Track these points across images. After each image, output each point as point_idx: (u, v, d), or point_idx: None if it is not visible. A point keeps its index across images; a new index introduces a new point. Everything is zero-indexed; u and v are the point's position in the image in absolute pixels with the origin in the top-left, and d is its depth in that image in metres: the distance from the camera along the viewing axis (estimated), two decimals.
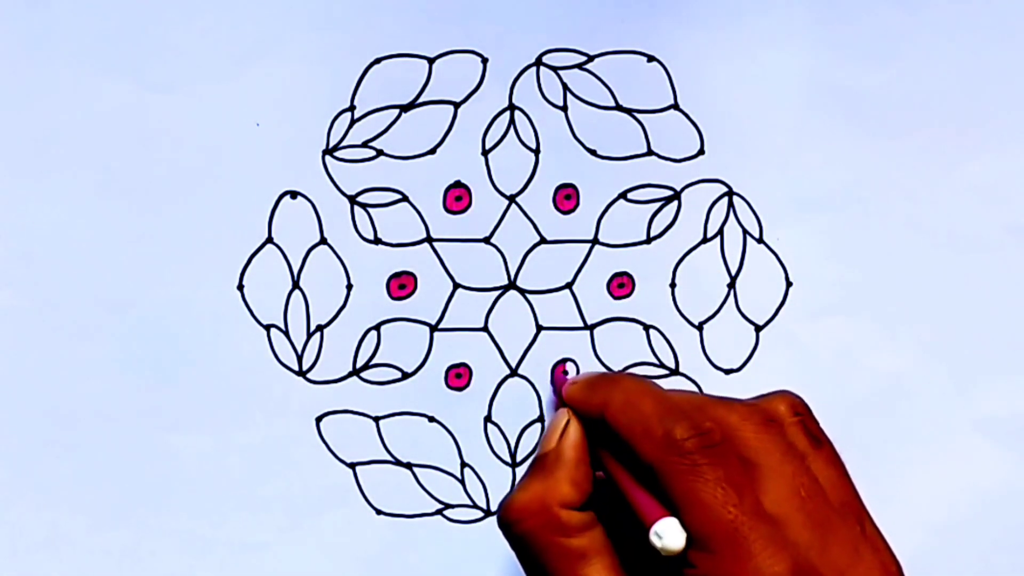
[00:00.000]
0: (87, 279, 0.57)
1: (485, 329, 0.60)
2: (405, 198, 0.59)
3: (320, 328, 0.59)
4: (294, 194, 0.58)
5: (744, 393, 0.54)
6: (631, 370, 0.60)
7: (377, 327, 0.59)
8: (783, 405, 0.52)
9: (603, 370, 0.60)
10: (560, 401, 0.55)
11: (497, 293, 0.60)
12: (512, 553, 0.59)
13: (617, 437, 0.51)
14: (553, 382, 0.60)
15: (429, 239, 0.59)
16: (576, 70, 0.59)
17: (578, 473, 0.52)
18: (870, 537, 0.50)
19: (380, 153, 0.59)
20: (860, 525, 0.50)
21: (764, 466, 0.49)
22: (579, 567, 0.50)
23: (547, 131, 0.59)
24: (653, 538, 0.48)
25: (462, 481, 0.60)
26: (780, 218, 0.61)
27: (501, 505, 0.52)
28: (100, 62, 0.56)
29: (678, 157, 0.60)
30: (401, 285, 0.59)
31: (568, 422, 0.53)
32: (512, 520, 0.51)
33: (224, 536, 0.58)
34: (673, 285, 0.61)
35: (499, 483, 0.60)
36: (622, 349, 0.61)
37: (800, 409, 0.52)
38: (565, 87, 0.59)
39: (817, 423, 0.53)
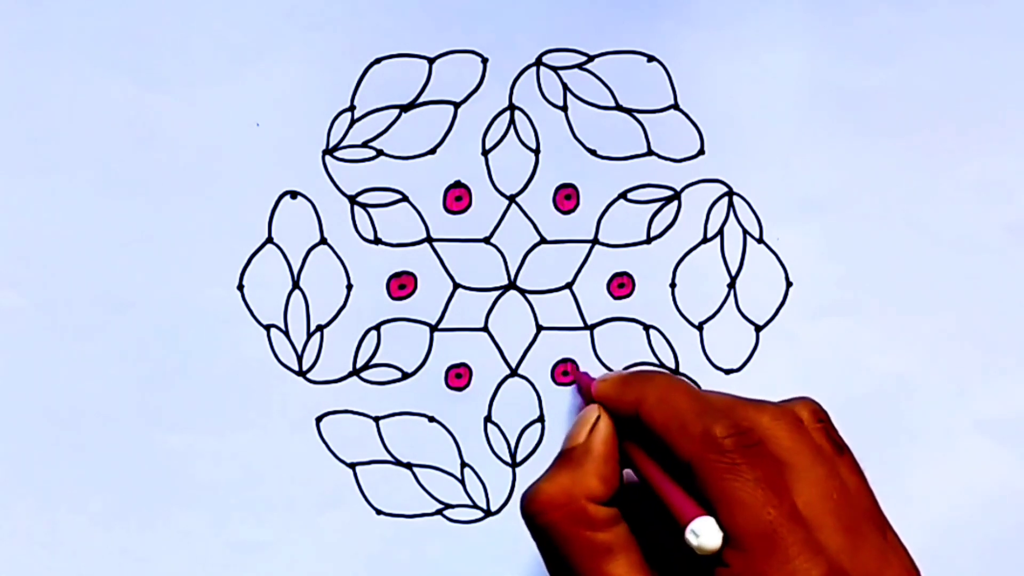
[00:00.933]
0: (87, 279, 0.57)
1: (485, 329, 0.60)
2: (405, 198, 0.59)
3: (320, 328, 0.59)
4: (294, 194, 0.58)
5: (744, 393, 0.54)
6: (631, 370, 0.60)
7: (377, 327, 0.59)
8: (806, 411, 0.52)
9: (604, 371, 0.60)
10: (587, 399, 0.55)
11: (497, 293, 0.60)
12: (512, 554, 0.59)
13: (650, 434, 0.51)
14: (577, 381, 0.60)
15: (429, 239, 0.59)
16: (576, 70, 0.59)
17: (607, 468, 0.52)
18: (892, 544, 0.50)
19: (380, 153, 0.59)
20: (881, 532, 0.50)
21: (798, 467, 0.49)
22: (604, 562, 0.50)
23: (547, 131, 0.59)
24: (689, 536, 0.47)
25: (462, 481, 0.60)
26: (780, 218, 0.61)
27: (525, 495, 0.51)
28: (100, 62, 0.56)
29: (678, 157, 0.60)
30: (401, 285, 0.59)
31: (599, 417, 0.53)
32: (536, 511, 0.51)
33: (224, 536, 0.58)
34: (673, 285, 0.61)
35: (499, 483, 0.60)
36: (622, 349, 0.60)
37: (822, 416, 0.53)
38: (565, 87, 0.59)
39: (837, 431, 0.53)
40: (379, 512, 0.59)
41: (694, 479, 0.49)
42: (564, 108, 0.59)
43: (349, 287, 0.59)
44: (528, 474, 0.60)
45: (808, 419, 0.52)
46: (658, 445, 0.50)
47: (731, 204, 0.61)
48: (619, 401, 0.53)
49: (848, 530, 0.48)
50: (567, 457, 0.52)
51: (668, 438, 0.50)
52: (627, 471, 0.53)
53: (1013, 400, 0.62)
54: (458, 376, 0.60)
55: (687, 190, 0.60)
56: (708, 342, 0.61)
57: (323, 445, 0.59)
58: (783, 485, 0.48)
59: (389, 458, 0.59)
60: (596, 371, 0.60)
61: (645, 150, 0.60)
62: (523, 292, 0.60)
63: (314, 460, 0.59)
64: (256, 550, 0.59)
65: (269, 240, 0.58)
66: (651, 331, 0.61)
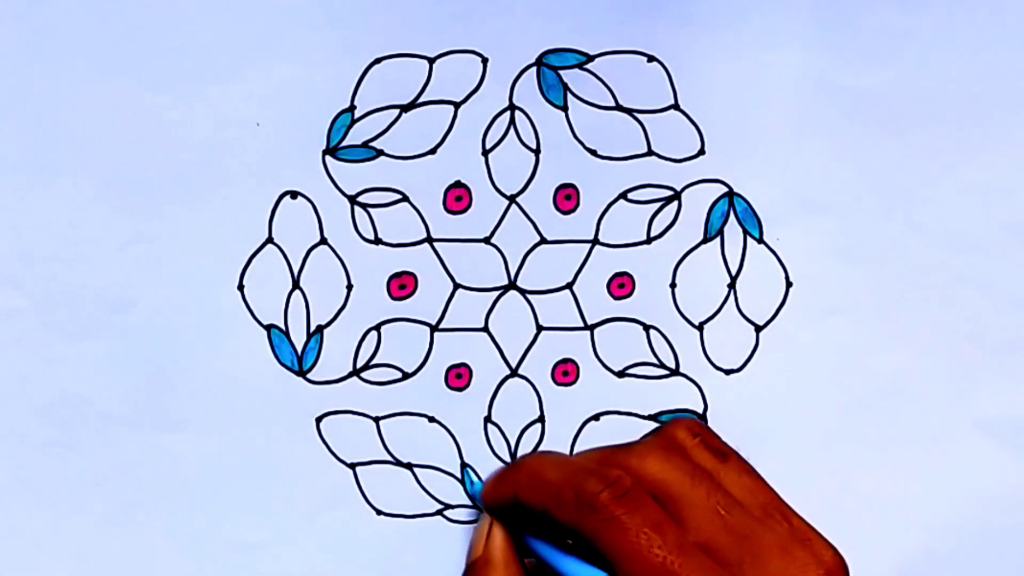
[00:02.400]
0: (87, 279, 0.57)
1: (485, 329, 0.60)
2: (405, 198, 0.59)
3: (320, 328, 0.59)
4: (294, 194, 0.58)
5: (744, 393, 0.54)
6: (632, 370, 0.60)
7: (377, 327, 0.59)
8: (681, 431, 0.54)
9: (511, 460, 0.60)
10: (483, 506, 0.57)
11: (497, 293, 0.60)
12: None
13: (538, 515, 0.52)
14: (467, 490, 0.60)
15: (429, 239, 0.59)
16: (576, 70, 0.59)
17: (508, 572, 0.54)
18: (798, 531, 0.51)
19: (380, 153, 0.59)
20: (787, 522, 0.51)
21: (677, 496, 0.50)
22: None
23: (547, 131, 0.59)
24: None
25: (462, 481, 0.60)
26: (780, 218, 0.61)
27: None
28: (100, 62, 0.56)
29: (678, 157, 0.60)
30: (401, 285, 0.59)
31: (491, 525, 0.55)
32: None
33: (224, 536, 0.58)
34: (673, 285, 0.61)
35: None
36: (622, 349, 0.61)
37: (698, 430, 0.54)
38: (565, 87, 0.59)
39: (717, 438, 0.54)
40: (379, 512, 0.59)
41: (586, 543, 0.50)
42: (564, 108, 0.59)
43: (349, 287, 0.59)
44: None
45: (685, 437, 0.53)
46: (548, 522, 0.51)
47: (731, 204, 0.61)
48: (500, 495, 0.55)
49: (743, 540, 0.49)
50: (471, 572, 0.55)
51: (549, 511, 0.51)
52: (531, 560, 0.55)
53: (1013, 400, 0.62)
54: (458, 376, 0.60)
55: (687, 190, 0.60)
56: (708, 342, 0.61)
57: (323, 445, 0.59)
58: (666, 521, 0.49)
59: (389, 458, 0.59)
60: (595, 372, 0.60)
61: (645, 150, 0.60)
62: (523, 292, 0.60)
63: (314, 460, 0.59)
64: (256, 550, 0.59)
65: (269, 240, 0.58)
66: (651, 331, 0.61)
